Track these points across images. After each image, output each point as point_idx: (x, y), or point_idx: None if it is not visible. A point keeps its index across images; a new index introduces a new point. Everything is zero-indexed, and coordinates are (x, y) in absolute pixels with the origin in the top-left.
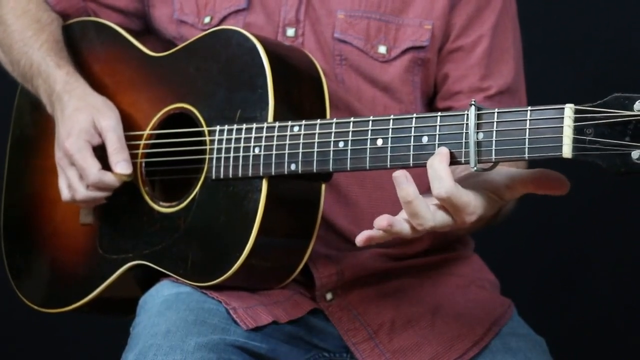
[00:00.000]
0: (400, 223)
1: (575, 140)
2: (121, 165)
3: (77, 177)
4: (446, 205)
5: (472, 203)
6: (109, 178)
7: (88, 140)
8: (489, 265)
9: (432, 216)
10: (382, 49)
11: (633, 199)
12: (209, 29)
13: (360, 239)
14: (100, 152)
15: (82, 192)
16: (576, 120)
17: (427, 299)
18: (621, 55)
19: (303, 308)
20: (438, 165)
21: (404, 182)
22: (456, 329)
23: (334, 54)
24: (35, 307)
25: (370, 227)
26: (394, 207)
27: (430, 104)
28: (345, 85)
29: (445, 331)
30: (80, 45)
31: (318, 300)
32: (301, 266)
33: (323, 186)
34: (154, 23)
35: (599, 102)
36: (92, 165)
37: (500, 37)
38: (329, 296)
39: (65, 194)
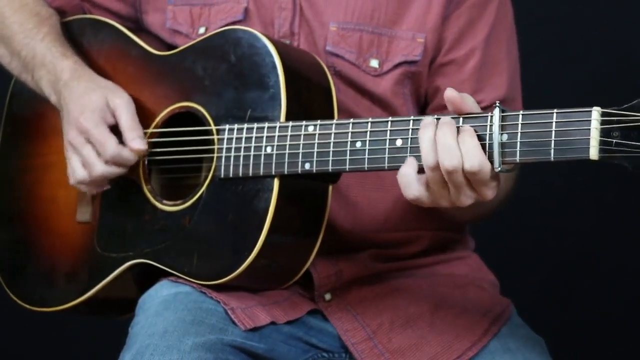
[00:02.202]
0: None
1: (602, 143)
2: (137, 141)
3: (94, 153)
4: (474, 180)
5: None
6: (126, 153)
7: (103, 117)
8: (489, 265)
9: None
10: (374, 63)
11: (633, 198)
12: None
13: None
14: (114, 132)
15: (100, 167)
16: (603, 123)
17: (426, 299)
18: (620, 57)
19: (302, 309)
20: (469, 140)
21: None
22: (455, 329)
23: (327, 65)
24: (27, 306)
25: (369, 227)
26: (394, 207)
27: (422, 113)
28: (341, 94)
29: (444, 331)
30: (79, 43)
31: (317, 300)
32: (307, 266)
33: (330, 187)
34: (149, 28)
35: (625, 105)
36: (109, 139)
37: (493, 49)
38: (327, 296)
39: (79, 173)
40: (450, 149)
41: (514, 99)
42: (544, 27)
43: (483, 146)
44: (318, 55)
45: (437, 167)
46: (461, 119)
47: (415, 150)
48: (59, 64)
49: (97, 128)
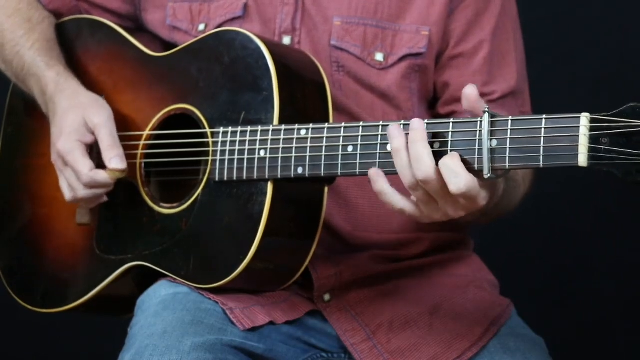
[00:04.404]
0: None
1: (590, 149)
2: (115, 161)
3: (74, 177)
4: (463, 198)
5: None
6: (101, 177)
7: (79, 140)
8: (488, 265)
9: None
10: (379, 56)
11: (633, 199)
12: None
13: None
14: (97, 149)
15: (81, 192)
16: (592, 129)
17: (426, 299)
18: (620, 57)
19: (301, 309)
20: (450, 162)
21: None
22: (454, 329)
23: (331, 61)
24: (29, 307)
25: (370, 229)
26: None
27: (432, 109)
28: (343, 91)
29: (444, 332)
30: (75, 44)
31: (316, 301)
32: (303, 268)
33: (326, 188)
34: (147, 26)
35: (614, 111)
36: (83, 166)
37: (501, 40)
38: (326, 297)
39: (67, 194)
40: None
41: (523, 90)
42: (542, 26)
43: (472, 152)
44: (321, 50)
45: (417, 185)
46: (451, 124)
47: None
48: (43, 76)
49: (71, 154)
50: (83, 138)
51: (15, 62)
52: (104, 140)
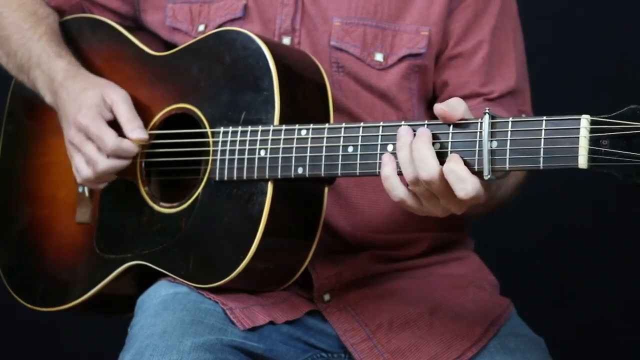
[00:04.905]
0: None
1: (591, 151)
2: (137, 131)
3: (95, 150)
4: (470, 200)
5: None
6: (126, 144)
7: (100, 113)
8: (488, 265)
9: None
10: (378, 57)
11: (633, 198)
12: None
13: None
14: (113, 127)
15: (103, 162)
16: (592, 131)
17: (426, 299)
18: (620, 57)
19: (300, 310)
20: (455, 167)
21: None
22: (454, 329)
23: (331, 61)
24: (29, 306)
25: (370, 229)
26: (394, 209)
27: (431, 109)
28: (342, 91)
29: (444, 332)
30: (77, 43)
31: (316, 301)
32: (303, 268)
33: (326, 188)
34: (147, 27)
35: (614, 113)
36: (109, 133)
37: (500, 41)
38: (326, 297)
39: (84, 171)
40: (429, 166)
41: (523, 90)
42: (542, 26)
43: (472, 153)
44: (321, 51)
45: (419, 182)
46: (451, 126)
47: None
48: (53, 65)
49: (94, 123)
50: (102, 113)
51: (20, 53)
52: (124, 114)
